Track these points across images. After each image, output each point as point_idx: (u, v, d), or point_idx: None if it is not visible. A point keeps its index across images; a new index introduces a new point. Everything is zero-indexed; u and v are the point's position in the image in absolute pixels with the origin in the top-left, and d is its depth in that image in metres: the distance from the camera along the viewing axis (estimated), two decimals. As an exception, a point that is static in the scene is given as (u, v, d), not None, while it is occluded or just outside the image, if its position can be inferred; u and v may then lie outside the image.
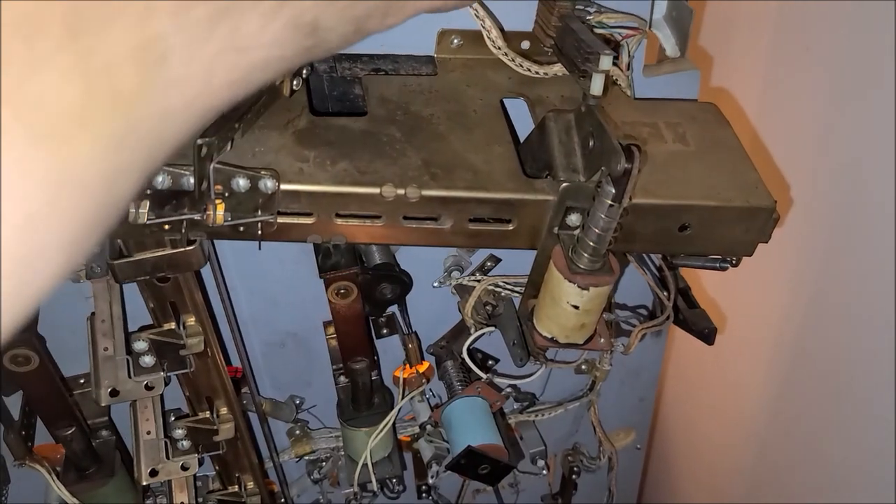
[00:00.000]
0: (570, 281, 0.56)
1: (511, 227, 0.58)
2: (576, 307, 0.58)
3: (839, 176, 0.77)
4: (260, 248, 0.58)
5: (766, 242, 0.61)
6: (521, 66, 0.64)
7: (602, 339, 0.63)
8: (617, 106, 0.65)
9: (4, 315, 0.22)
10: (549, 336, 0.62)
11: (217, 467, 0.80)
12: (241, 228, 0.55)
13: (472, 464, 0.76)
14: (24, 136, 0.21)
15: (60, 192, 0.22)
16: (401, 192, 0.55)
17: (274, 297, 0.79)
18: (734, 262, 0.64)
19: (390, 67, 0.66)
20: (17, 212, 0.21)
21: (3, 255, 0.21)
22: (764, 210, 0.59)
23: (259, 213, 0.55)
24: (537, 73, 0.65)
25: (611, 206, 0.53)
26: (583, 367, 0.90)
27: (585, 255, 0.56)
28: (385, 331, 0.82)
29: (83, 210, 0.23)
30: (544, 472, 0.97)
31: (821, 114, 0.78)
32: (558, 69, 0.65)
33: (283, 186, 0.54)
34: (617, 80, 0.66)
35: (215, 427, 0.72)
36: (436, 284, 0.79)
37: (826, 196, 0.78)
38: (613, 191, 0.52)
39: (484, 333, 0.78)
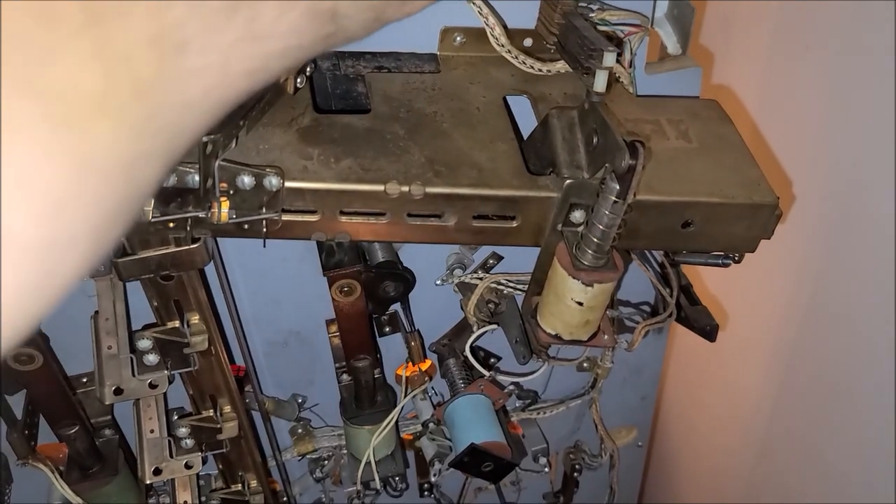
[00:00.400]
0: (574, 277, 0.57)
1: (515, 225, 0.58)
2: (580, 304, 0.58)
3: (840, 172, 0.77)
4: (265, 246, 0.58)
5: (769, 239, 0.61)
6: (524, 63, 0.65)
7: (606, 336, 0.63)
8: (619, 103, 0.65)
9: (33, 304, 0.22)
10: (553, 333, 0.62)
11: (220, 466, 0.80)
12: (246, 226, 0.56)
13: (475, 461, 0.76)
14: (45, 122, 0.21)
15: (83, 178, 0.22)
16: (405, 189, 0.55)
17: (277, 296, 0.79)
18: (736, 258, 0.65)
19: (393, 65, 0.66)
20: (42, 198, 0.21)
21: (30, 242, 0.21)
22: (767, 206, 0.59)
23: (263, 210, 0.55)
24: (540, 70, 0.65)
25: (615, 202, 0.53)
26: (585, 364, 0.90)
27: (589, 251, 0.56)
28: (387, 329, 0.82)
29: (106, 197, 0.23)
30: (546, 469, 0.97)
31: (822, 111, 0.79)
32: (561, 66, 0.65)
33: (288, 184, 0.54)
34: (619, 77, 0.66)
35: (219, 425, 0.72)
36: (438, 282, 0.79)
37: (828, 192, 0.78)
38: (618, 187, 0.52)
39: (486, 331, 0.78)
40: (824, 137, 0.79)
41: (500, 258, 0.79)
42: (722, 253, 0.65)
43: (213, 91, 0.26)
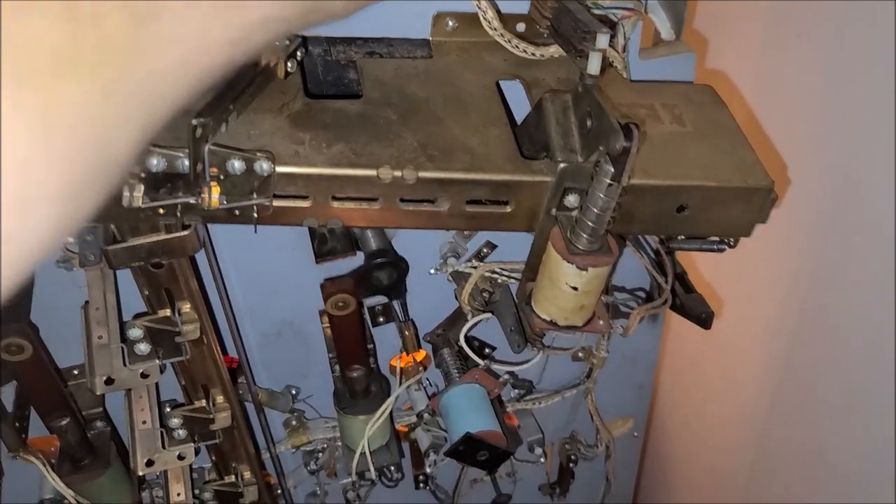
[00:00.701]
0: (568, 262, 0.56)
1: (509, 209, 0.58)
2: (574, 288, 0.57)
3: (836, 156, 0.77)
4: (256, 232, 0.57)
5: (764, 222, 0.61)
6: (517, 47, 0.64)
7: (601, 322, 0.63)
8: (613, 88, 0.65)
9: (8, 262, 0.22)
10: (548, 318, 0.61)
11: (213, 457, 0.79)
12: (237, 212, 0.55)
13: (470, 450, 0.76)
14: (12, 77, 0.21)
15: (51, 133, 0.22)
16: (398, 173, 0.54)
17: (269, 287, 0.79)
18: (732, 243, 0.64)
19: (385, 51, 0.65)
20: (10, 152, 0.21)
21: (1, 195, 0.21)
22: (762, 190, 0.59)
23: (255, 196, 0.54)
24: (533, 54, 0.64)
25: (610, 185, 0.53)
26: (580, 354, 0.90)
27: (584, 235, 0.56)
28: (382, 319, 0.82)
29: (76, 157, 0.23)
30: (542, 459, 0.97)
31: (817, 95, 0.78)
32: (554, 51, 0.64)
33: (279, 169, 0.53)
34: (613, 62, 0.66)
35: (211, 416, 0.71)
36: (432, 271, 0.78)
37: (824, 177, 0.78)
38: (612, 170, 0.52)
39: (481, 320, 0.78)
40: (820, 121, 0.78)
41: (493, 247, 0.78)
42: (717, 238, 0.65)
43: (192, 59, 0.26)
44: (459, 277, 0.79)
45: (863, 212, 0.74)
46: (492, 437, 0.75)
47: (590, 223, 0.55)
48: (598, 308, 0.64)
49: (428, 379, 0.86)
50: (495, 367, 0.84)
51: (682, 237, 0.69)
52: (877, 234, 0.72)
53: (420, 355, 0.83)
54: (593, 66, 0.53)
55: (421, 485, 0.97)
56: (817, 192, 0.79)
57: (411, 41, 0.66)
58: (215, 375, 0.70)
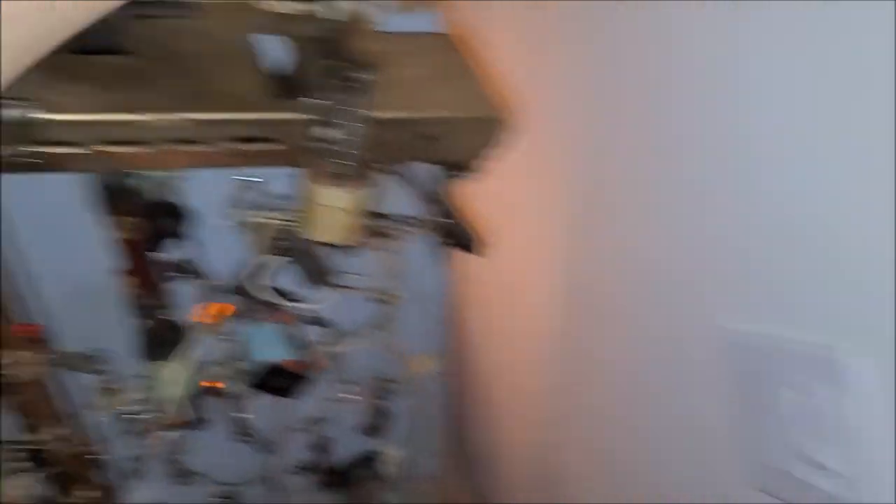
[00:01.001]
0: (329, 186, 0.65)
1: (273, 146, 0.65)
2: (341, 209, 0.66)
3: (591, 88, 0.85)
4: (40, 179, 0.61)
5: (500, 150, 0.72)
6: (274, 5, 0.71)
7: (374, 241, 0.72)
8: (366, 39, 0.73)
9: None
10: (325, 241, 0.70)
11: (22, 418, 0.80)
12: (16, 160, 0.59)
13: (275, 380, 0.82)
14: None
15: None
16: (166, 116, 0.61)
17: (66, 250, 0.81)
18: (475, 169, 0.75)
19: (156, 12, 0.71)
20: None
21: None
22: (492, 120, 0.70)
23: (30, 145, 0.58)
24: (289, 11, 0.72)
25: (356, 114, 0.62)
26: (377, 296, 0.98)
27: (340, 161, 0.64)
28: (179, 274, 0.86)
29: None
30: (357, 398, 1.05)
31: (561, 35, 0.88)
32: (306, 7, 0.72)
33: (52, 116, 0.58)
34: (364, 18, 0.75)
35: (10, 372, 0.73)
36: (223, 223, 0.84)
37: (581, 103, 0.86)
38: (357, 100, 0.61)
39: (277, 266, 0.85)
40: (561, 60, 0.88)
41: (281, 197, 0.85)
42: (461, 166, 0.75)
43: None
44: (253, 228, 0.85)
45: (623, 139, 0.82)
46: (292, 366, 0.83)
47: (343, 150, 0.64)
48: (371, 234, 0.73)
49: (231, 329, 0.92)
50: (296, 308, 0.91)
51: (442, 170, 0.79)
52: (637, 159, 0.80)
53: (222, 307, 0.89)
54: (336, 12, 0.62)
55: (243, 437, 1.02)
56: (577, 125, 0.88)
57: (179, 3, 0.72)
58: (11, 332, 0.72)
